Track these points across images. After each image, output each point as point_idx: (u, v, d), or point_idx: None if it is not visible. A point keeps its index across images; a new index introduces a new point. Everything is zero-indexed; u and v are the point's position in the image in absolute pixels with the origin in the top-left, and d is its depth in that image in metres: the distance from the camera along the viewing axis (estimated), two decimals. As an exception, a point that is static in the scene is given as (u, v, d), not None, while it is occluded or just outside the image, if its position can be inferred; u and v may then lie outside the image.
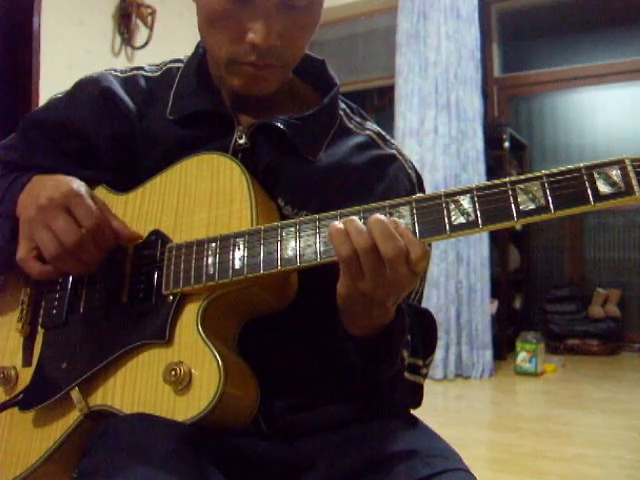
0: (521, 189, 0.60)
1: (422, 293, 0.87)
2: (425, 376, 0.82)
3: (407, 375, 0.77)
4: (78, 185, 0.74)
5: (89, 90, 0.84)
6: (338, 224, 0.62)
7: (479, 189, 0.61)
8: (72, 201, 0.72)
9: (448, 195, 0.62)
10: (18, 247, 0.74)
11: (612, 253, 4.62)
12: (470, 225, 0.60)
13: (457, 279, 3.69)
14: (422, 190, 0.87)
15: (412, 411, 0.84)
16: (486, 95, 4.27)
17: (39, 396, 0.74)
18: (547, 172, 0.60)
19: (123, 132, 0.82)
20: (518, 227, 4.36)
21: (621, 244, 4.60)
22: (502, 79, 4.66)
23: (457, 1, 3.79)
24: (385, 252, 0.61)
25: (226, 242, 0.70)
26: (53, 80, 3.11)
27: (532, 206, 0.59)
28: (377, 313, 0.66)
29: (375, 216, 0.62)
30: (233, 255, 0.69)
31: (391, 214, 0.63)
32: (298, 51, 0.78)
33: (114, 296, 0.75)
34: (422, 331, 0.79)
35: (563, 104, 4.92)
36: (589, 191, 0.57)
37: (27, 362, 0.78)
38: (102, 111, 0.82)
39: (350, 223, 0.62)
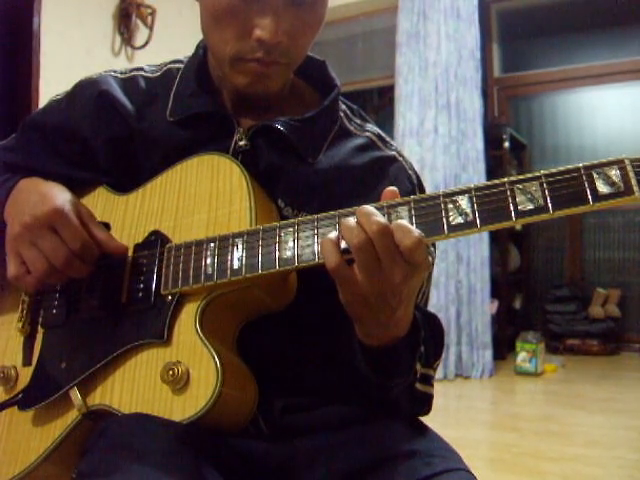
0: (520, 189, 0.59)
1: (428, 295, 0.87)
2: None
3: (418, 386, 0.76)
4: (62, 201, 0.74)
5: (87, 93, 0.85)
6: (332, 236, 0.62)
7: (477, 189, 0.61)
8: (57, 221, 0.73)
9: (446, 195, 0.62)
10: (7, 264, 0.75)
11: (612, 253, 4.62)
12: (468, 225, 0.60)
13: (457, 279, 3.70)
14: (422, 191, 0.86)
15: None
16: (486, 95, 4.27)
17: (38, 395, 0.74)
18: (546, 172, 0.60)
19: (121, 134, 0.82)
20: (518, 227, 4.37)
21: (621, 244, 4.60)
22: (502, 79, 4.66)
23: (457, 1, 3.79)
24: (371, 236, 0.59)
25: (225, 242, 0.70)
26: (53, 80, 3.11)
27: (531, 206, 0.59)
28: (384, 317, 0.64)
29: (363, 208, 0.61)
30: (232, 255, 0.69)
31: (389, 214, 0.63)
32: (303, 49, 0.78)
33: (113, 296, 0.75)
34: (433, 338, 0.78)
35: (563, 104, 4.92)
36: (588, 191, 0.57)
37: (27, 362, 0.79)
38: (100, 114, 0.83)
39: (343, 224, 0.61)
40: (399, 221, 0.60)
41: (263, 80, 0.76)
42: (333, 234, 0.62)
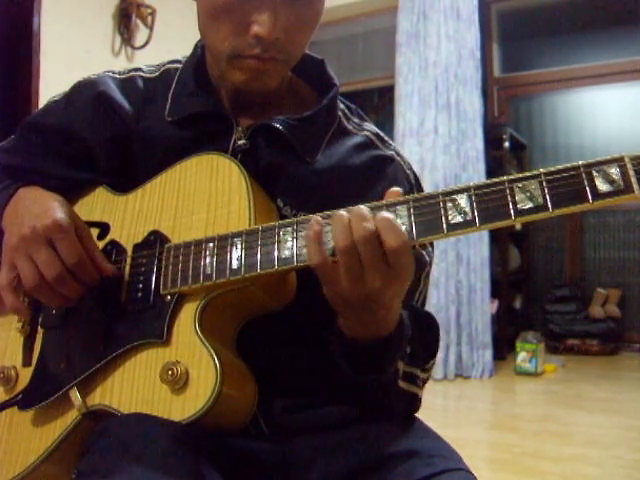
0: (519, 187, 0.59)
1: (426, 294, 0.87)
2: (425, 382, 0.81)
3: (402, 384, 0.76)
4: (62, 216, 0.74)
5: (86, 94, 0.85)
6: (311, 231, 0.62)
7: (477, 188, 0.61)
8: (55, 235, 0.72)
9: (445, 194, 0.61)
10: (0, 271, 0.75)
11: (612, 253, 4.62)
12: (467, 224, 0.60)
13: (457, 279, 3.69)
14: (421, 191, 0.86)
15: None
16: (486, 95, 4.27)
17: (38, 396, 0.74)
18: (545, 170, 0.59)
19: (120, 135, 0.82)
20: (518, 226, 4.37)
21: (621, 244, 4.60)
22: (502, 79, 4.66)
23: (457, 1, 3.79)
24: (357, 241, 0.60)
25: (224, 242, 0.70)
26: (53, 80, 3.11)
27: (530, 205, 0.59)
28: (365, 318, 0.65)
29: (357, 209, 0.61)
30: (231, 255, 0.69)
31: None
32: (301, 46, 0.78)
33: (113, 296, 0.75)
34: (423, 337, 0.78)
35: (563, 104, 4.92)
36: (588, 189, 0.57)
37: (27, 362, 0.79)
38: (98, 115, 0.83)
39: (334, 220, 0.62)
40: (385, 214, 0.60)
41: (261, 77, 0.76)
42: (316, 226, 0.62)
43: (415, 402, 0.80)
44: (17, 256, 0.73)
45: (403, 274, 0.62)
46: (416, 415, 0.83)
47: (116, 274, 0.76)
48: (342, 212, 0.62)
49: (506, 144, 4.11)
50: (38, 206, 0.76)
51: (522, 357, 3.65)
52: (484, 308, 3.72)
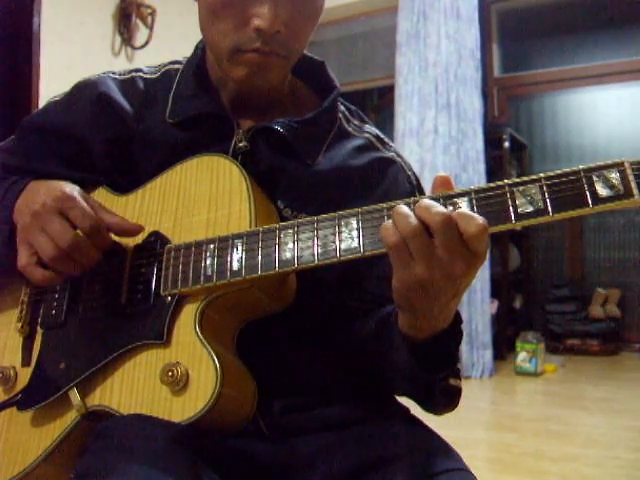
0: (520, 192, 0.59)
1: None
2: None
3: (451, 380, 0.73)
4: (71, 188, 0.74)
5: (86, 95, 0.84)
6: (388, 221, 0.60)
7: (477, 192, 0.61)
8: (65, 204, 0.72)
9: (446, 198, 0.61)
10: (18, 254, 0.74)
11: (612, 253, 4.63)
12: None
13: (457, 279, 3.69)
14: (421, 192, 0.87)
15: (412, 411, 0.84)
16: (486, 95, 4.27)
17: (37, 396, 0.74)
18: (546, 175, 0.60)
19: (120, 136, 0.82)
20: (518, 227, 4.36)
21: (621, 244, 4.60)
22: (502, 79, 4.67)
23: (457, 1, 3.79)
24: (434, 228, 0.58)
25: (224, 243, 0.70)
26: (53, 80, 3.11)
27: (530, 209, 0.59)
28: (438, 308, 0.62)
29: (424, 201, 0.59)
30: (231, 256, 0.69)
31: (389, 216, 0.63)
32: (301, 42, 0.78)
33: (113, 297, 0.75)
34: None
35: (563, 104, 4.92)
36: (588, 194, 0.57)
37: (26, 362, 0.79)
38: (98, 116, 0.83)
39: (396, 211, 0.60)
40: (461, 210, 0.59)
41: (262, 72, 0.76)
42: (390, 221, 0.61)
43: (459, 397, 0.77)
44: (31, 232, 0.73)
45: (481, 258, 0.60)
46: (416, 415, 0.83)
47: (140, 231, 0.76)
48: (401, 205, 0.61)
49: (506, 144, 4.12)
50: (46, 187, 0.76)
51: (522, 357, 3.65)
52: (484, 308, 3.73)
